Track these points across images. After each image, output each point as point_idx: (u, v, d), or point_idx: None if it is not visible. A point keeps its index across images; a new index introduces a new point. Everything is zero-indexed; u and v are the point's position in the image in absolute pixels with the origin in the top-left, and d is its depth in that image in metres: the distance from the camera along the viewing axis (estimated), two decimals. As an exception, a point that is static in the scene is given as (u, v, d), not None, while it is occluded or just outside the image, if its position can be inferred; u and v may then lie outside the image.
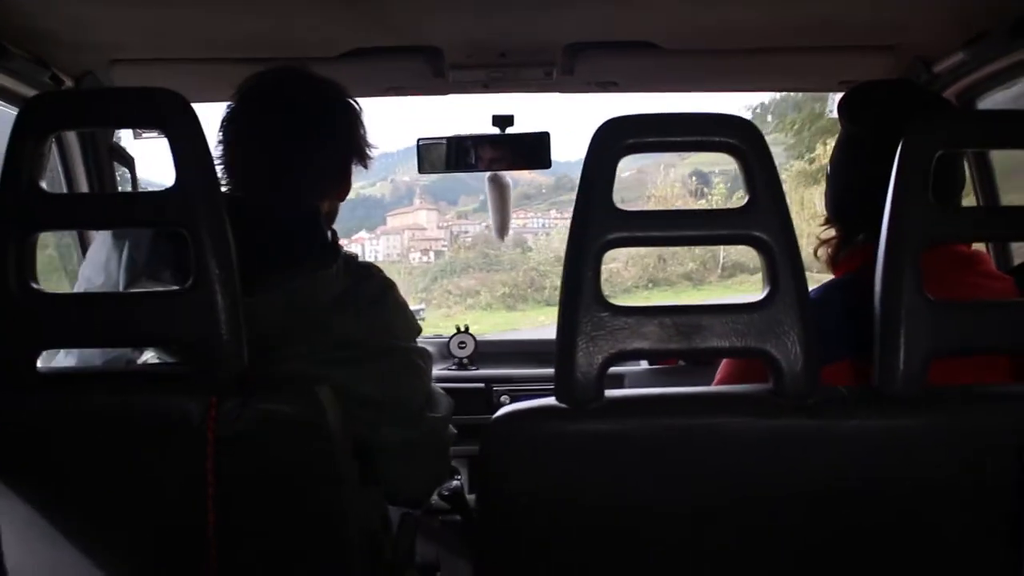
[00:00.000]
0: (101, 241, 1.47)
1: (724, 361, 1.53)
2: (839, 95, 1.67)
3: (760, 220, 1.11)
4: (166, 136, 1.16)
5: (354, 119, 1.60)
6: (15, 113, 1.18)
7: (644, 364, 2.72)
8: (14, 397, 1.20)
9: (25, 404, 1.20)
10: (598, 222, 1.11)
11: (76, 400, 1.21)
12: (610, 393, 1.15)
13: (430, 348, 2.89)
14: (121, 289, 1.39)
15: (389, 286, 1.52)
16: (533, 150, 2.42)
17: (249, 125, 1.53)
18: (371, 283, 1.50)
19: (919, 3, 1.80)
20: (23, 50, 1.86)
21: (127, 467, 1.22)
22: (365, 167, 1.65)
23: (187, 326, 1.17)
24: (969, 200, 2.16)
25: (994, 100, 2.08)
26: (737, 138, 1.12)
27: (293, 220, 1.46)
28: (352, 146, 1.61)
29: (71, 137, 2.26)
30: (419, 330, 1.59)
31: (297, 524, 1.24)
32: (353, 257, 1.52)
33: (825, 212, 1.64)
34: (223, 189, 1.42)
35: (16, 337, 1.18)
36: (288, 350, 1.37)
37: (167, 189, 1.17)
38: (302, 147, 1.51)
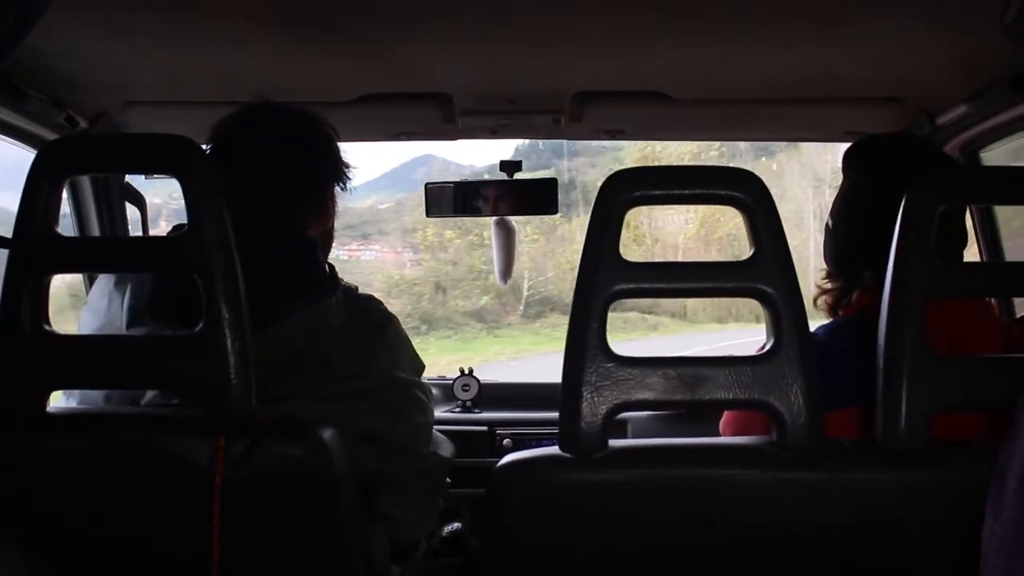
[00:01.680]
0: (103, 286, 1.47)
1: (727, 411, 1.54)
2: (845, 145, 1.68)
3: (764, 273, 1.12)
4: (180, 182, 1.18)
5: (329, 144, 1.60)
6: (27, 152, 1.19)
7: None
8: (23, 437, 1.21)
9: (34, 444, 1.21)
10: (605, 273, 1.12)
11: (85, 441, 1.22)
12: (614, 443, 1.16)
13: (434, 390, 2.89)
14: (124, 330, 1.39)
15: (390, 318, 1.52)
16: (539, 196, 2.44)
17: (227, 166, 1.50)
18: (371, 315, 1.50)
19: (922, 57, 1.82)
20: (39, 92, 1.89)
21: (134, 508, 1.23)
22: (344, 189, 1.64)
23: (197, 369, 1.18)
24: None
25: (997, 153, 2.10)
26: (743, 192, 1.13)
27: (287, 254, 1.45)
28: (332, 171, 1.60)
29: (83, 179, 2.27)
30: (422, 366, 1.59)
31: (301, 566, 1.24)
32: (352, 289, 1.51)
33: (824, 264, 1.64)
34: None
35: (27, 377, 1.19)
36: (289, 385, 1.36)
37: (181, 234, 1.19)
38: (283, 180, 1.51)
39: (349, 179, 1.65)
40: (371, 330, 1.48)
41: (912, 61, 1.85)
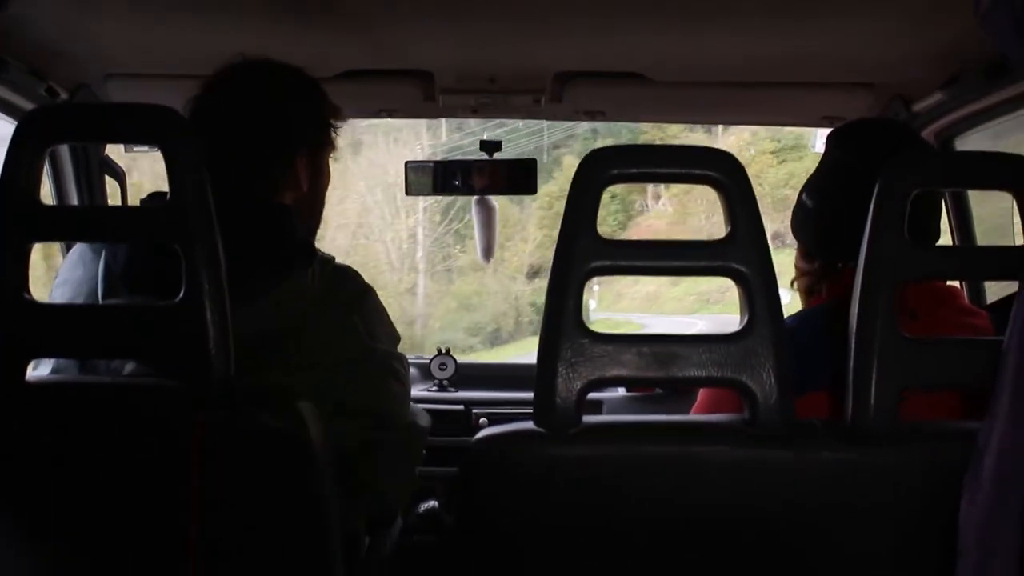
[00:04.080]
0: (76, 257, 1.46)
1: (702, 391, 1.55)
2: (820, 131, 1.69)
3: (739, 253, 1.14)
4: (162, 152, 1.18)
5: (302, 102, 1.55)
6: (9, 124, 1.19)
7: (622, 391, 2.74)
8: (3, 406, 1.21)
9: (14, 413, 1.22)
10: (582, 250, 1.13)
11: (64, 410, 1.23)
12: (588, 419, 1.17)
13: (412, 370, 2.90)
14: (100, 299, 1.39)
15: (367, 290, 1.51)
16: (519, 176, 2.45)
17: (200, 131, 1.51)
18: (349, 287, 1.49)
19: (899, 44, 1.84)
20: (20, 62, 1.88)
21: (112, 478, 1.23)
22: (322, 158, 1.59)
23: (177, 339, 1.19)
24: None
25: (972, 140, 2.12)
26: (719, 171, 1.14)
27: (255, 223, 1.42)
28: (304, 131, 1.54)
29: (63, 149, 2.27)
30: (398, 337, 1.57)
31: (279, 535, 1.25)
32: (330, 260, 1.49)
33: (798, 242, 1.64)
34: None
35: (7, 346, 1.19)
36: (266, 357, 1.35)
37: (163, 203, 1.19)
38: (245, 142, 1.47)
39: (332, 147, 1.61)
40: (348, 301, 1.47)
41: (888, 47, 1.87)
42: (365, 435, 1.45)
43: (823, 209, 1.57)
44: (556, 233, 1.14)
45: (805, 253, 1.62)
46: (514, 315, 22.37)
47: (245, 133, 1.48)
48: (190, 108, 1.51)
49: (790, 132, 15.23)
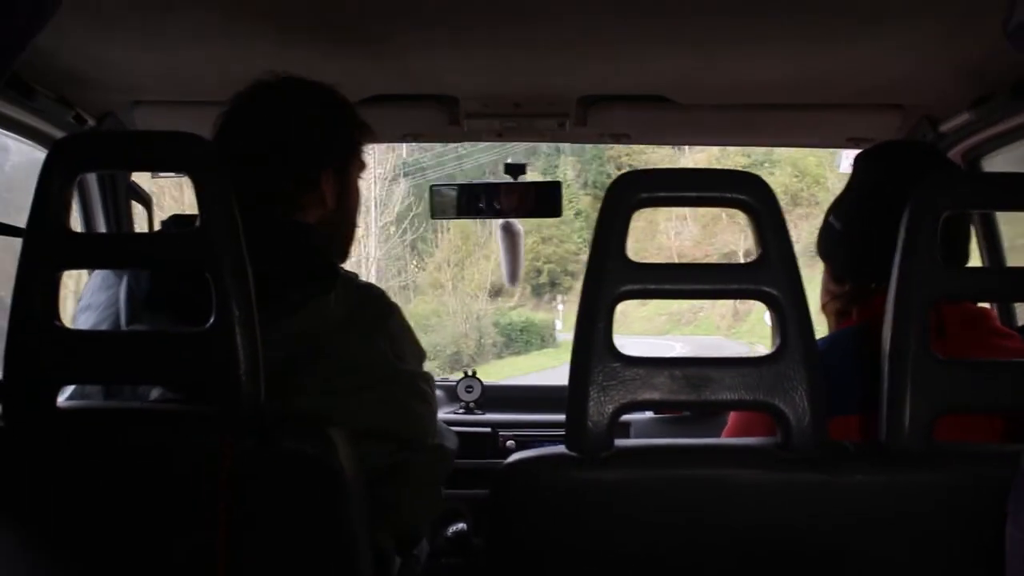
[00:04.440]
0: (100, 281, 1.46)
1: (733, 413, 1.54)
2: (846, 152, 1.68)
3: (771, 276, 1.13)
4: (191, 179, 1.19)
5: (325, 118, 1.54)
6: (37, 151, 1.20)
7: (649, 413, 2.73)
8: (34, 431, 1.22)
9: (45, 438, 1.22)
10: (612, 273, 1.13)
11: (95, 436, 1.23)
12: (620, 442, 1.16)
13: (438, 392, 2.89)
14: (123, 325, 1.39)
15: (391, 309, 1.50)
16: (544, 199, 2.45)
17: (219, 137, 1.50)
18: (373, 306, 1.48)
19: (926, 64, 1.83)
20: (48, 90, 1.90)
21: (141, 504, 1.23)
22: (349, 176, 1.59)
23: (207, 366, 1.19)
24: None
25: (998, 161, 2.11)
26: (749, 195, 1.14)
27: (278, 239, 1.41)
28: (328, 147, 1.54)
29: (91, 176, 2.29)
30: (424, 355, 1.57)
31: (309, 562, 1.25)
32: (353, 278, 1.48)
33: (827, 265, 1.62)
34: None
35: (39, 372, 1.20)
36: (293, 380, 1.35)
37: (191, 229, 1.20)
38: (267, 160, 1.47)
39: (361, 165, 1.61)
40: (373, 321, 1.45)
41: (915, 68, 1.86)
42: (393, 458, 1.45)
43: (852, 231, 1.56)
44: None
45: (835, 276, 1.61)
46: (476, 336, 22.17)
47: (267, 150, 1.48)
48: (217, 125, 1.52)
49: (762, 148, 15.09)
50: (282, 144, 1.49)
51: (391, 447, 1.45)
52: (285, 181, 1.50)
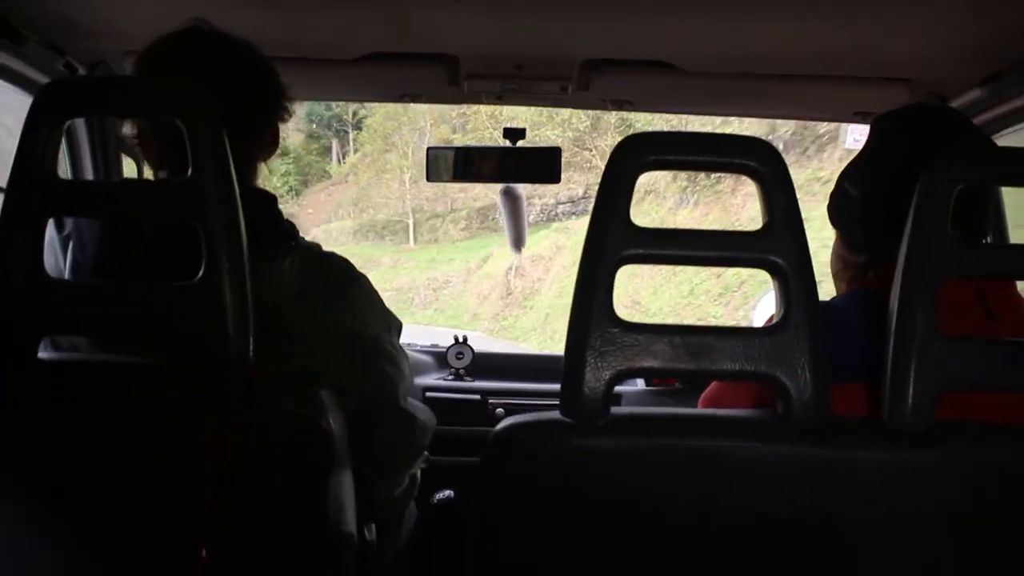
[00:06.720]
0: (46, 245, 1.43)
1: (715, 383, 1.48)
2: (852, 126, 1.64)
3: (777, 245, 1.10)
4: (183, 126, 1.15)
5: (271, 72, 1.50)
6: (24, 97, 1.17)
7: (641, 384, 2.72)
8: (17, 383, 1.18)
9: (29, 390, 1.19)
10: (614, 237, 1.10)
11: (77, 389, 1.20)
12: (615, 410, 1.14)
13: (428, 358, 2.88)
14: None
15: (355, 277, 1.49)
16: (542, 164, 2.41)
17: None
18: (334, 274, 1.47)
19: (936, 38, 1.80)
20: (39, 36, 1.86)
21: (128, 462, 1.21)
22: (284, 121, 1.54)
23: (194, 319, 1.16)
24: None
25: (1008, 139, 2.08)
26: (757, 161, 1.11)
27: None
28: (276, 102, 1.51)
29: (79, 126, 2.26)
30: (398, 324, 1.55)
31: (299, 522, 1.23)
32: (315, 247, 1.47)
33: (840, 234, 1.54)
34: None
35: (22, 322, 1.17)
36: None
37: (183, 179, 1.16)
38: (233, 118, 1.38)
39: (290, 112, 1.56)
40: (334, 288, 1.45)
41: (925, 42, 1.83)
42: (360, 416, 1.40)
43: (872, 202, 1.46)
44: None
45: (851, 245, 1.51)
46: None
47: (234, 112, 1.38)
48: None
49: (738, 123, 14.82)
50: (246, 96, 1.45)
51: (354, 400, 1.39)
52: (252, 136, 1.47)
